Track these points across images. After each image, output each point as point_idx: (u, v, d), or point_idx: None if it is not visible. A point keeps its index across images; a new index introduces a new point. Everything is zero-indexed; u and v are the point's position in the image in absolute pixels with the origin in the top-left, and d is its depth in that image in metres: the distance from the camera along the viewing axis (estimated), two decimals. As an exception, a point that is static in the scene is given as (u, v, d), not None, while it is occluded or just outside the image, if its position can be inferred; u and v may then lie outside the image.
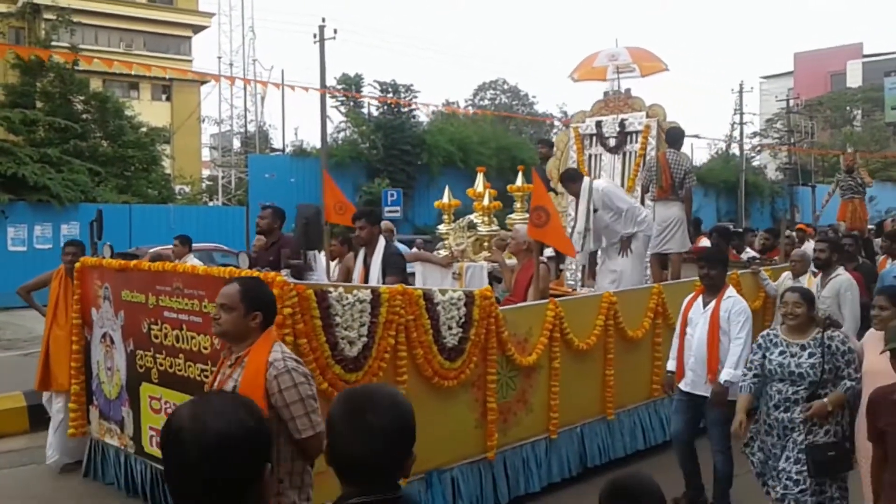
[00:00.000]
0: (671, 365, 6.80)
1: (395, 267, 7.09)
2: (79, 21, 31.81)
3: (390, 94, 31.50)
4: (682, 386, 6.62)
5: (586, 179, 8.68)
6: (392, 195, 27.19)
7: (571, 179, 8.73)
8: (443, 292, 6.27)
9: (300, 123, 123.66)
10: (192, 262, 8.45)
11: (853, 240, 10.29)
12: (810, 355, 5.38)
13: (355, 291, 5.72)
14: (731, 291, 6.66)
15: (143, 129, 29.76)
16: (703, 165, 45.15)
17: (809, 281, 8.76)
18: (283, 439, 3.89)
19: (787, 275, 9.03)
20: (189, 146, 38.90)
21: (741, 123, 47.50)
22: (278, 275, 5.44)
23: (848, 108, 56.51)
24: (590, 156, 10.24)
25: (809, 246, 9.99)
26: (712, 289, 6.62)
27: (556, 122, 43.88)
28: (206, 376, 5.85)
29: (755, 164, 50.23)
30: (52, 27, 29.13)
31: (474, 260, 8.25)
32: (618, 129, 9.96)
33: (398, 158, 30.69)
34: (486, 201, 8.43)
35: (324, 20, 31.12)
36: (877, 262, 10.81)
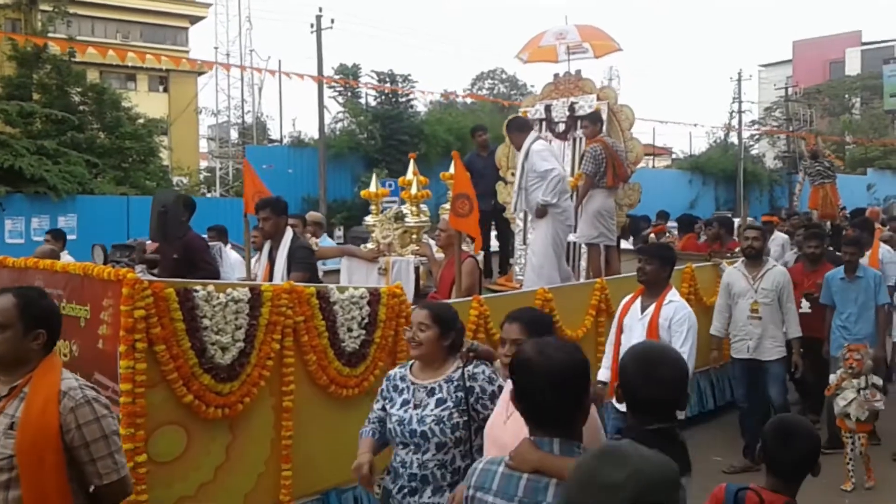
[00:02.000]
0: (603, 375, 5.93)
1: (301, 261, 6.20)
2: (75, 12, 31.04)
3: (388, 84, 30.62)
4: (619, 406, 5.70)
5: (532, 135, 7.80)
6: (390, 185, 26.31)
7: (518, 129, 7.88)
8: (342, 290, 5.39)
9: (298, 114, 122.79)
10: (66, 259, 7.50)
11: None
12: (439, 403, 3.73)
13: (229, 290, 4.84)
14: (673, 295, 5.73)
15: (141, 121, 28.90)
16: (702, 154, 44.11)
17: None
18: (75, 487, 3.04)
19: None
20: (186, 137, 38.09)
21: (739, 112, 46.33)
22: (129, 271, 4.56)
23: (847, 95, 55.04)
24: None
25: (779, 237, 9.09)
26: (650, 288, 5.74)
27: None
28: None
29: (753, 152, 48.96)
30: (48, 18, 28.35)
31: (402, 254, 7.35)
32: (567, 113, 9.02)
33: (396, 149, 29.78)
34: (413, 190, 7.50)
35: (321, 10, 30.44)
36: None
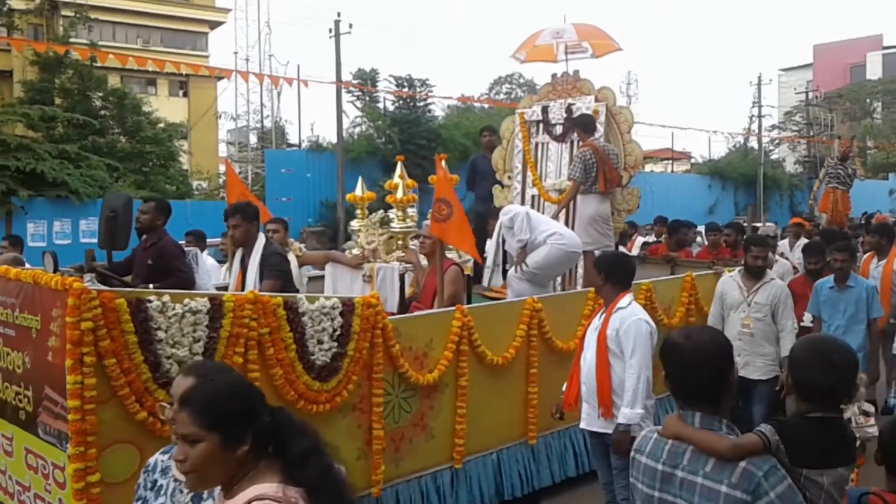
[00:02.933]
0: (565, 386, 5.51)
1: (274, 269, 5.84)
2: (96, 18, 30.90)
3: (406, 89, 30.24)
4: (582, 422, 5.29)
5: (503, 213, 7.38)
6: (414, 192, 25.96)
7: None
8: (311, 300, 5.02)
9: (316, 119, 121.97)
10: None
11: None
12: None
13: (187, 300, 4.49)
14: (624, 301, 5.16)
15: (161, 125, 28.71)
16: (721, 159, 43.33)
17: None
18: None
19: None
20: (206, 142, 37.88)
21: (759, 116, 45.41)
22: (77, 280, 4.22)
23: (868, 100, 53.91)
24: (536, 144, 8.86)
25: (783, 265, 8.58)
26: (604, 299, 5.31)
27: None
28: (21, 400, 4.69)
29: (774, 157, 48.04)
30: (70, 24, 28.23)
31: (387, 261, 6.96)
32: (564, 114, 8.58)
33: (414, 153, 29.30)
34: (399, 194, 7.11)
35: (339, 15, 30.11)
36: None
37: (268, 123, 35.63)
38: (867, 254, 8.64)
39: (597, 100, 8.35)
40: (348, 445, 5.20)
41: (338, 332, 5.07)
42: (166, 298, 4.41)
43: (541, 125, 8.77)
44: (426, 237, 6.34)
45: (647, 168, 41.21)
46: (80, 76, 26.94)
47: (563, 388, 5.46)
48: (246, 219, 5.97)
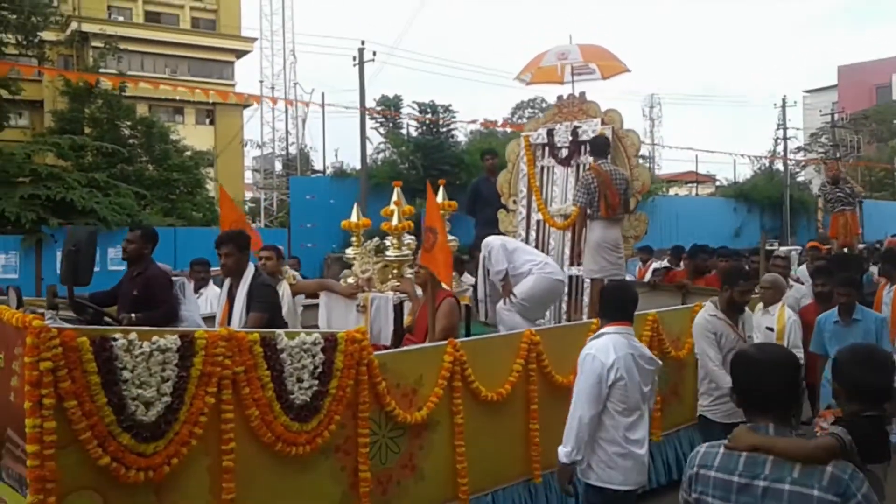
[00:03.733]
0: None
1: (261, 301, 5.55)
2: (125, 48, 31.15)
3: (429, 115, 30.10)
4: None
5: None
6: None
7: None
8: (291, 336, 4.72)
9: (340, 145, 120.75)
10: None
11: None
12: None
13: (155, 338, 4.21)
14: (596, 335, 4.90)
15: (188, 153, 28.94)
16: (747, 181, 42.66)
17: (781, 315, 6.97)
18: None
19: (758, 307, 7.26)
20: (232, 169, 37.94)
21: (784, 138, 44.82)
22: (37, 318, 3.96)
23: (894, 121, 53.13)
24: (541, 168, 8.55)
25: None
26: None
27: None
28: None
29: (800, 179, 47.38)
30: (99, 54, 28.53)
31: (381, 290, 6.64)
32: (570, 137, 8.27)
33: (437, 178, 29.11)
34: (395, 221, 6.80)
35: (363, 43, 30.11)
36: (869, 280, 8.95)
37: (293, 150, 35.57)
38: (881, 282, 8.15)
39: (603, 122, 8.04)
40: (331, 489, 4.90)
41: (319, 370, 4.77)
42: (133, 336, 4.13)
43: (546, 148, 8.47)
44: (420, 267, 6.04)
45: (672, 191, 40.77)
46: (109, 105, 27.22)
47: None
48: (239, 248, 5.71)
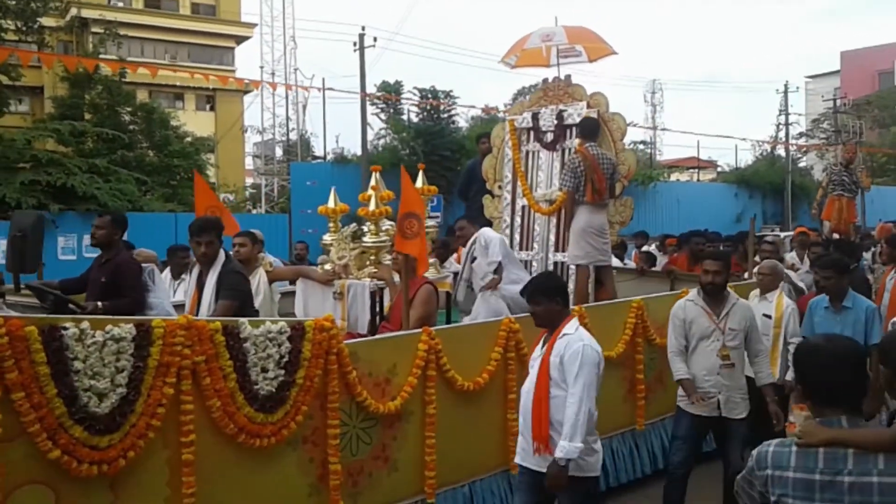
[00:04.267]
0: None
1: (230, 288, 5.34)
2: (125, 34, 30.86)
3: (430, 100, 29.81)
4: (516, 457, 4.70)
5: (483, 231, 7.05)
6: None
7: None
8: (255, 324, 4.51)
9: (341, 131, 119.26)
10: None
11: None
12: None
13: (109, 327, 4.01)
14: (570, 327, 4.58)
15: (188, 139, 28.67)
16: (748, 167, 42.30)
17: (779, 302, 6.74)
18: None
19: (754, 293, 7.02)
20: (233, 155, 37.67)
21: (787, 124, 44.41)
22: (-17, 308, 3.77)
23: (896, 106, 52.67)
24: (526, 153, 8.25)
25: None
26: (544, 326, 4.70)
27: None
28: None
29: (801, 165, 46.99)
30: (99, 40, 28.22)
31: (358, 277, 6.42)
32: (555, 121, 7.98)
33: (438, 164, 28.80)
34: (372, 206, 6.58)
35: (363, 29, 29.81)
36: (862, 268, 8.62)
37: (293, 136, 35.30)
38: (887, 266, 7.81)
39: (589, 106, 7.76)
40: (299, 481, 4.70)
41: (285, 359, 4.57)
42: (85, 325, 3.93)
43: (531, 132, 8.19)
44: (397, 254, 5.82)
45: (673, 177, 40.46)
46: (110, 91, 26.97)
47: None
48: (218, 236, 5.53)
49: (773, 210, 40.08)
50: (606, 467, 6.35)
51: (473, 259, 6.92)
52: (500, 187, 8.39)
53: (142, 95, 31.52)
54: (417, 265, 5.49)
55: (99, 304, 5.54)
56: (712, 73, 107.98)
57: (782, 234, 21.40)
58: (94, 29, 29.13)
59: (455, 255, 7.81)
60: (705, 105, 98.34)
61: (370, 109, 29.84)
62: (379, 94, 29.61)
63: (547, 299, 4.59)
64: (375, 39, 29.58)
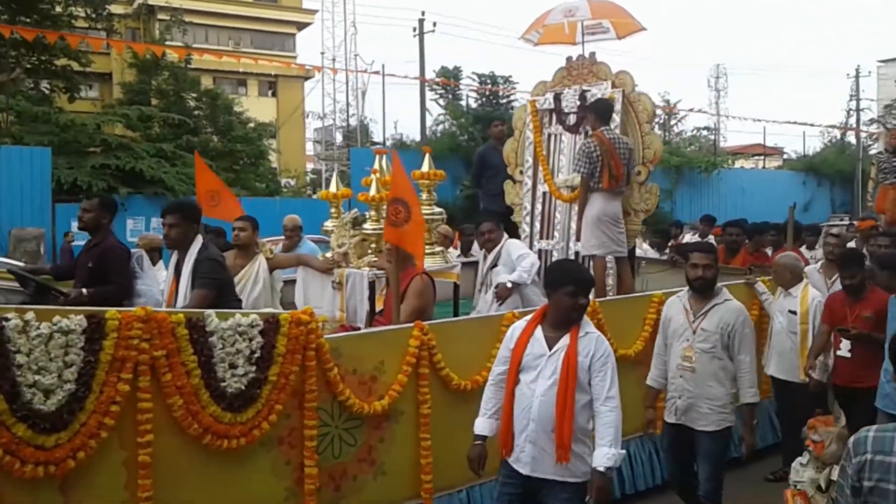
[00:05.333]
0: (481, 425, 4.30)
1: (205, 276, 4.96)
2: (190, 21, 30.96)
3: (489, 86, 29.25)
4: (519, 466, 4.12)
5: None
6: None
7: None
8: (223, 317, 4.13)
9: (400, 117, 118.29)
10: None
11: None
12: None
13: (56, 318, 3.67)
14: (588, 324, 4.13)
15: (251, 125, 28.67)
16: (817, 154, 40.63)
17: (804, 296, 6.13)
18: None
19: (780, 289, 6.41)
20: (294, 141, 37.60)
21: (858, 109, 42.57)
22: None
23: (975, 92, 49.99)
24: (548, 136, 7.64)
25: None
26: (567, 320, 4.15)
27: (658, 111, 40.19)
28: None
29: (872, 152, 44.95)
30: (165, 27, 28.44)
31: (358, 266, 5.98)
32: (578, 102, 7.35)
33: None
34: (372, 191, 6.14)
35: (423, 13, 29.43)
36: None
37: (353, 122, 35.09)
38: None
39: (614, 85, 7.13)
40: (274, 485, 4.33)
41: (257, 355, 4.19)
42: (30, 316, 3.61)
43: (553, 114, 7.61)
44: (387, 243, 5.37)
45: (738, 164, 39.07)
46: (176, 78, 27.12)
47: (479, 427, 4.30)
48: (186, 218, 5.13)
49: (841, 199, 38.44)
50: (623, 474, 5.84)
51: (494, 265, 6.48)
52: (521, 172, 7.85)
53: (206, 81, 31.59)
54: (411, 255, 5.02)
55: (84, 290, 5.23)
56: (779, 58, 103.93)
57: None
58: (161, 16, 29.26)
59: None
60: (772, 90, 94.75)
61: (429, 95, 29.48)
62: (438, 79, 29.17)
63: (585, 295, 4.13)
64: (435, 24, 29.08)
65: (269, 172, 29.10)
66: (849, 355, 5.79)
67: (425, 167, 6.42)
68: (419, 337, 4.72)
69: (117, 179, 22.17)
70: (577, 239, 6.92)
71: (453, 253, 9.12)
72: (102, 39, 25.00)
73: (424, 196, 6.34)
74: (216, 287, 4.96)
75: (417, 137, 28.39)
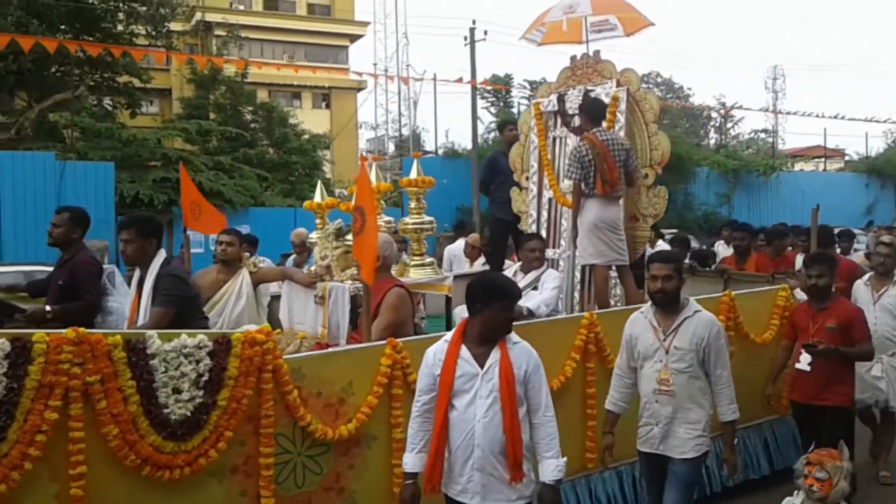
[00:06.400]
0: (411, 461, 3.78)
1: (166, 293, 4.58)
2: (246, 36, 31.13)
3: (540, 93, 28.71)
4: (466, 498, 3.62)
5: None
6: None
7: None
8: (166, 337, 3.75)
9: (451, 126, 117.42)
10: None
11: None
12: None
13: (-24, 342, 3.34)
14: (513, 335, 3.70)
15: (306, 137, 28.67)
16: (880, 156, 38.91)
17: None
18: None
19: None
20: (347, 151, 37.49)
21: (923, 109, 40.65)
22: None
23: None
24: (553, 139, 7.13)
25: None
26: (489, 335, 3.72)
27: (714, 115, 38.99)
28: None
29: (942, 152, 42.90)
30: (222, 42, 28.64)
31: (341, 279, 5.54)
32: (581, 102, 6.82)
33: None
34: (354, 201, 5.71)
35: (474, 22, 28.98)
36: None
37: (405, 132, 34.84)
38: None
39: (619, 84, 6.59)
40: (226, 517, 3.92)
41: (205, 378, 3.80)
42: (-57, 341, 3.28)
43: (557, 116, 7.09)
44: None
45: (797, 167, 37.68)
46: (232, 92, 27.28)
47: (408, 464, 3.79)
48: (141, 235, 4.74)
49: (906, 202, 36.76)
50: (627, 499, 5.30)
51: (534, 287, 5.99)
52: (527, 178, 7.34)
53: (262, 95, 31.71)
54: (362, 266, 4.54)
55: (48, 307, 4.92)
56: (841, 58, 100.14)
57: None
58: (217, 32, 29.45)
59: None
60: (832, 91, 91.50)
61: (480, 103, 29.07)
62: (489, 86, 28.78)
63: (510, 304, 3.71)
64: (486, 33, 28.58)
65: (323, 183, 29.01)
66: (808, 369, 5.18)
67: (413, 174, 5.96)
68: (391, 355, 4.28)
69: (177, 192, 22.22)
70: (575, 245, 6.36)
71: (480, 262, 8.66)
72: (164, 52, 25.23)
73: (413, 204, 5.90)
74: (177, 304, 4.58)
75: (469, 146, 27.95)
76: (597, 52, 7.00)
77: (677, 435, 4.31)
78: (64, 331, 3.53)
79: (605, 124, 6.38)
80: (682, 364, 4.29)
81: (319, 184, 6.42)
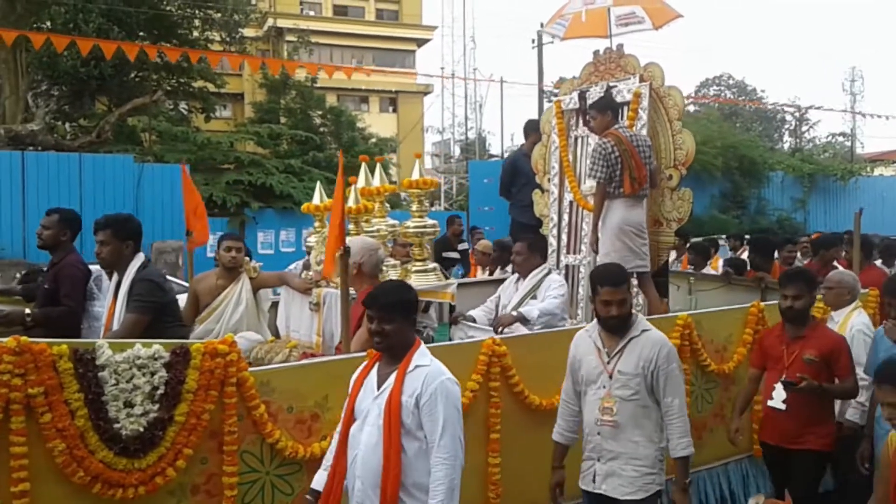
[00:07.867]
0: (316, 478, 3.43)
1: (140, 299, 4.25)
2: (316, 41, 31.16)
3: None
4: None
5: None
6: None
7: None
8: (118, 348, 3.44)
9: (517, 129, 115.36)
10: None
11: None
12: None
13: None
14: (422, 357, 3.26)
15: (373, 140, 28.52)
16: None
17: (845, 322, 4.88)
18: None
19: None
20: (413, 155, 37.28)
21: None
22: None
23: None
24: (575, 139, 6.55)
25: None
26: (390, 353, 3.31)
27: (788, 118, 37.39)
28: None
29: None
30: (293, 48, 28.73)
31: (335, 285, 5.14)
32: (603, 100, 6.28)
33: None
34: (351, 202, 5.33)
35: (542, 25, 28.39)
36: None
37: (471, 135, 34.43)
38: None
39: (642, 79, 6.02)
40: (187, 539, 3.59)
41: (160, 391, 3.47)
42: None
43: (579, 115, 6.55)
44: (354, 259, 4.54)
45: (877, 172, 35.85)
46: (302, 96, 27.32)
47: (317, 483, 3.42)
48: (118, 237, 4.42)
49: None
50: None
51: (533, 297, 5.53)
52: (548, 181, 6.82)
53: (330, 99, 31.72)
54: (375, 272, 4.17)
55: (27, 311, 4.68)
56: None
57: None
58: (289, 38, 29.60)
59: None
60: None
61: (546, 106, 28.48)
62: (555, 89, 28.18)
63: (402, 316, 3.26)
64: (553, 36, 28.02)
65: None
66: (783, 407, 4.39)
67: (415, 175, 5.56)
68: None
69: (249, 194, 22.40)
70: (595, 251, 5.80)
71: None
72: (240, 57, 25.45)
73: (415, 206, 5.49)
74: (151, 311, 4.27)
75: (534, 149, 27.45)
76: (620, 46, 6.44)
77: (622, 473, 3.72)
78: (4, 340, 3.25)
79: (626, 121, 5.87)
80: (627, 391, 3.72)
81: (318, 185, 6.07)
